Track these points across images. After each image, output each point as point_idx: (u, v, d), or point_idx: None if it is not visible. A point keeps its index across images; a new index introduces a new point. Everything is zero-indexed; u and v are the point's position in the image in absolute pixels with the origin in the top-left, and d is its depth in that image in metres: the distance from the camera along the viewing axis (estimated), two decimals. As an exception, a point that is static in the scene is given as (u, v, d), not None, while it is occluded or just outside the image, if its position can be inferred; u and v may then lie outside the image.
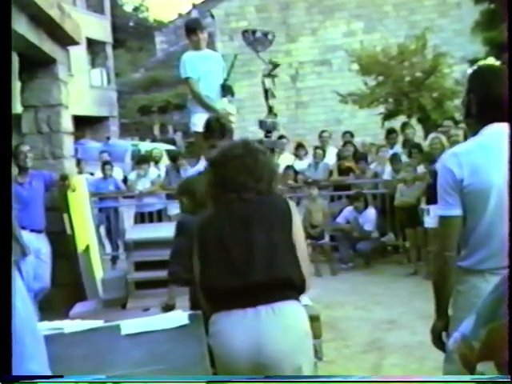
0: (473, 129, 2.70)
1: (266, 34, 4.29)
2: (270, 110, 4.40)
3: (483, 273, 2.54)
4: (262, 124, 4.57)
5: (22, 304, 1.77)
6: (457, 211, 2.57)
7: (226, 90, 6.14)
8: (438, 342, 2.73)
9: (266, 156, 2.90)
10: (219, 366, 2.72)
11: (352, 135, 11.64)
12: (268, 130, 4.32)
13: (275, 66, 4.34)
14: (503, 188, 2.40)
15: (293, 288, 2.70)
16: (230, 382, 2.33)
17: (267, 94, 4.43)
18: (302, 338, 2.68)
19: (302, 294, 2.80)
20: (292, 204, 2.84)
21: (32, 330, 1.84)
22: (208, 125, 4.05)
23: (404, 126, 11.28)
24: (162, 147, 16.86)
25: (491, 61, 2.79)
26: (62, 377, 2.13)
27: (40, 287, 6.41)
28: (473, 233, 2.57)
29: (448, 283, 2.65)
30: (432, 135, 9.22)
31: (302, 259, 2.73)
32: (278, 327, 2.59)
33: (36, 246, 6.41)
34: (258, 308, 2.59)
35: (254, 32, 4.31)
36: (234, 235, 2.69)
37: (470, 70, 2.77)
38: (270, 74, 4.36)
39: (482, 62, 2.80)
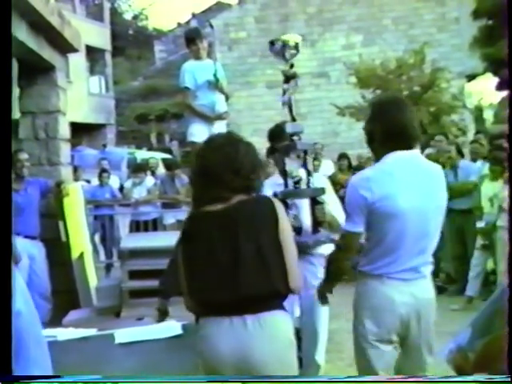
0: (377, 154, 3.03)
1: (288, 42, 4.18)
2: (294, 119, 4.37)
3: (381, 276, 2.97)
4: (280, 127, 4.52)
5: (26, 309, 1.75)
6: (361, 228, 3.00)
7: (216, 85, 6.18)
8: (323, 298, 3.52)
9: (250, 147, 2.86)
10: (204, 370, 2.72)
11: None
12: (292, 133, 4.29)
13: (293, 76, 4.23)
14: (407, 211, 2.87)
15: (279, 297, 2.72)
16: (230, 381, 2.34)
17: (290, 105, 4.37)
18: (287, 347, 2.70)
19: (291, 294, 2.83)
20: (277, 203, 2.79)
21: (36, 335, 1.83)
22: (275, 133, 4.34)
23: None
24: (158, 156, 16.82)
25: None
26: (59, 377, 2.13)
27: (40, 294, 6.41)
28: (376, 246, 2.99)
29: (339, 268, 3.22)
30: (428, 151, 9.25)
31: (290, 260, 2.72)
32: (264, 337, 2.61)
33: (30, 251, 6.41)
34: (244, 317, 2.62)
35: (278, 40, 4.20)
36: (222, 247, 2.67)
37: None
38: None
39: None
